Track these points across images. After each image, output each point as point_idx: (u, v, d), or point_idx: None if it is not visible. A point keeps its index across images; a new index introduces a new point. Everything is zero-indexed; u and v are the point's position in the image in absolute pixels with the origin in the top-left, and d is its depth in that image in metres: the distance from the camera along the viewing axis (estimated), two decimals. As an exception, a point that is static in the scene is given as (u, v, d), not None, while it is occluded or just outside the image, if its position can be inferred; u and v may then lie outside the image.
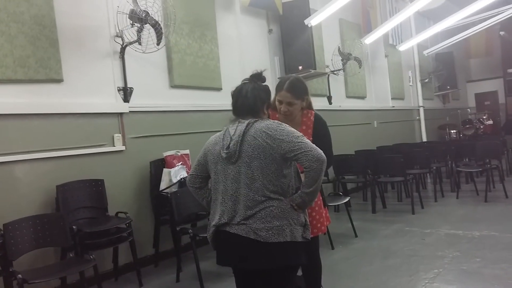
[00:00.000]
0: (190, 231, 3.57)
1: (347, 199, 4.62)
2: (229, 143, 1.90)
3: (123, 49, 4.04)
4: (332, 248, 4.17)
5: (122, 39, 3.99)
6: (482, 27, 10.09)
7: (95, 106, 3.87)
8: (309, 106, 2.53)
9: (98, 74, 3.92)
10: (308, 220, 1.96)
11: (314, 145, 1.84)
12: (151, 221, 4.22)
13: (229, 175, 1.91)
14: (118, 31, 3.94)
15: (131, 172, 4.14)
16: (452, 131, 11.36)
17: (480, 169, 6.29)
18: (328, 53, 7.01)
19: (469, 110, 13.05)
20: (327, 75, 6.87)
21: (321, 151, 1.83)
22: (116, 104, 4.06)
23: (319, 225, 2.44)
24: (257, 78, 2.04)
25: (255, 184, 1.84)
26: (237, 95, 2.03)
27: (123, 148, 4.08)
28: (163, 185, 4.13)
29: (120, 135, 4.07)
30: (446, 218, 5.09)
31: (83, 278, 2.97)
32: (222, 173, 1.94)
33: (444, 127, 11.46)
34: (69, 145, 3.66)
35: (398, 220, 5.19)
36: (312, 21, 5.89)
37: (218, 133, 2.05)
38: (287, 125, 1.93)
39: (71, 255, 3.16)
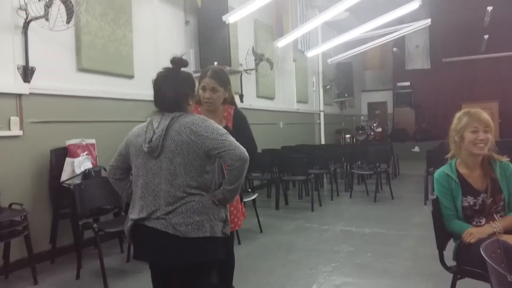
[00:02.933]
0: (95, 226, 3.38)
1: (255, 196, 4.77)
2: (152, 137, 1.85)
3: (26, 24, 3.67)
4: (239, 243, 4.28)
5: (26, 13, 3.61)
6: (377, 43, 11.13)
7: (-11, 84, 3.47)
8: (232, 101, 2.58)
9: (-5, 49, 3.52)
10: (228, 216, 1.99)
11: (238, 144, 1.86)
12: (48, 214, 3.91)
13: (150, 169, 1.86)
14: (22, 3, 3.56)
15: (29, 160, 3.78)
16: (347, 136, 12.35)
17: (372, 172, 6.94)
18: (242, 52, 7.12)
19: (362, 117, 14.27)
20: (240, 74, 6.99)
21: (245, 149, 1.86)
22: (14, 84, 3.67)
23: (236, 219, 2.50)
24: (178, 63, 1.94)
25: (177, 180, 1.82)
26: (158, 87, 1.92)
27: (21, 133, 3.70)
28: (64, 176, 3.85)
29: (17, 118, 3.69)
30: (341, 215, 5.54)
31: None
32: (143, 167, 1.88)
33: (340, 131, 12.41)
34: (-46, 126, 3.23)
35: (299, 216, 5.50)
36: (230, 19, 5.94)
37: (141, 124, 1.97)
38: (212, 121, 1.92)
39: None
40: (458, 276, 2.17)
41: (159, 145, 1.82)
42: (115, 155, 2.03)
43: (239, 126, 2.53)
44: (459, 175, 2.25)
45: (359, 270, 3.45)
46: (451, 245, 2.32)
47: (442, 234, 2.26)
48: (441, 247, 2.25)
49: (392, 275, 3.30)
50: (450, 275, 2.23)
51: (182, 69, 1.97)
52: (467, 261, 2.10)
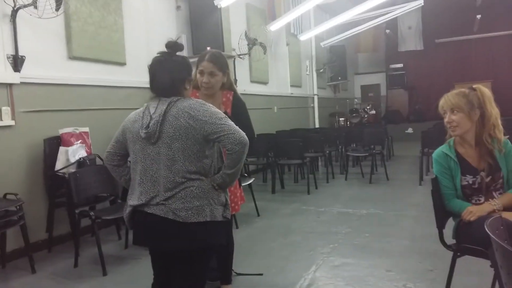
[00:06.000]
0: (92, 213, 3.37)
1: (252, 180, 4.76)
2: (149, 122, 1.82)
3: (14, 12, 3.58)
4: (237, 227, 4.29)
5: (14, 1, 3.53)
6: (370, 25, 11.06)
7: (-21, 74, 3.40)
8: (230, 86, 2.54)
9: (-18, 38, 3.44)
10: (228, 200, 1.98)
11: (237, 128, 1.84)
12: (44, 204, 3.89)
13: (148, 155, 1.84)
14: (9, -10, 3.49)
15: (22, 150, 3.74)
16: (341, 119, 12.36)
17: (367, 154, 6.96)
18: (234, 37, 7.04)
19: (356, 100, 14.25)
20: (233, 59, 6.91)
21: (244, 133, 1.85)
22: (4, 74, 3.60)
23: (233, 204, 2.49)
24: (173, 48, 1.91)
25: (176, 165, 1.80)
26: (154, 72, 1.89)
27: (12, 123, 3.65)
28: (59, 165, 3.82)
29: (8, 108, 3.63)
30: (337, 198, 5.56)
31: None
32: (141, 152, 1.86)
33: (334, 115, 12.41)
34: None
35: (296, 200, 5.53)
36: (221, 3, 5.86)
37: (138, 110, 1.94)
38: (211, 105, 1.89)
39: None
40: (458, 254, 2.19)
41: (157, 131, 1.80)
42: (111, 141, 2.00)
43: (238, 112, 2.50)
44: (458, 154, 2.25)
45: (358, 251, 3.48)
46: (449, 223, 2.33)
47: (442, 213, 2.26)
48: (440, 226, 2.26)
49: (390, 255, 3.33)
50: (449, 253, 2.25)
51: (178, 53, 1.94)
52: (467, 239, 2.11)
